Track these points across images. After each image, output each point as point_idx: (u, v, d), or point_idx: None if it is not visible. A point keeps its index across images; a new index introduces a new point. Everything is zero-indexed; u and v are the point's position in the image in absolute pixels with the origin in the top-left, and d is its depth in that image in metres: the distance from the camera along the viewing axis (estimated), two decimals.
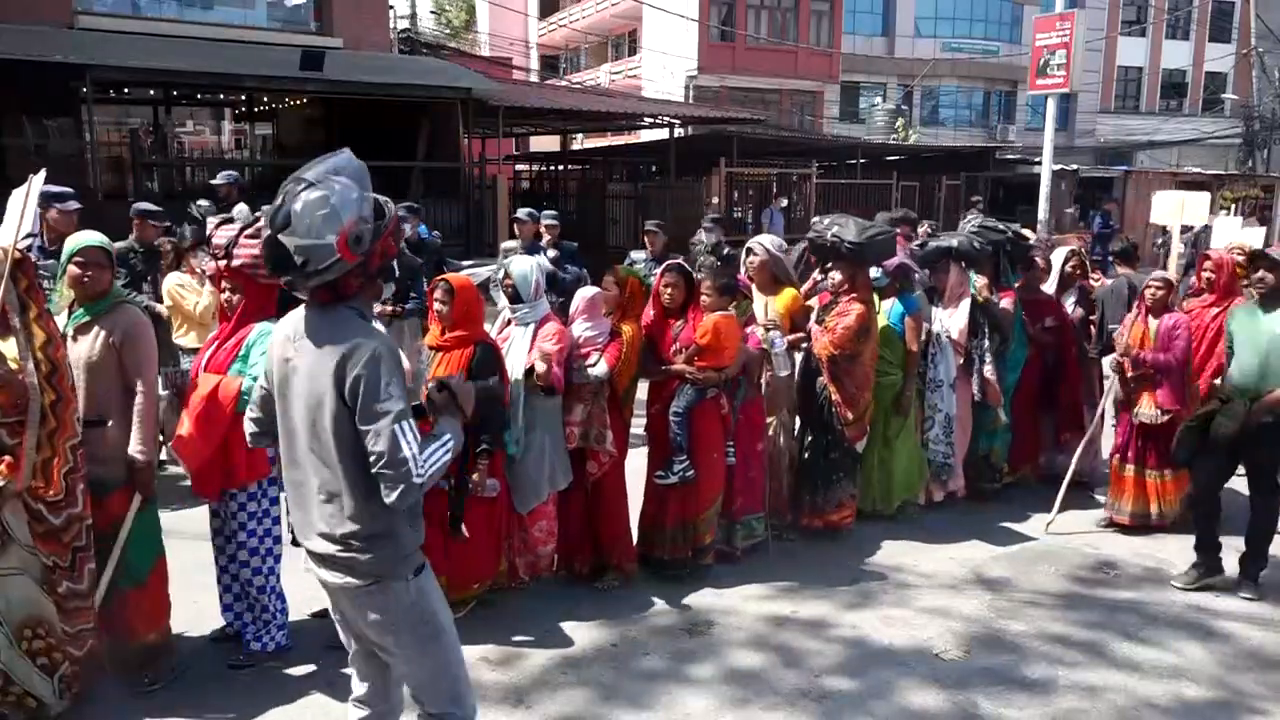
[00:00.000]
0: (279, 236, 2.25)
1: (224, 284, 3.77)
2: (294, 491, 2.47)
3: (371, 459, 2.27)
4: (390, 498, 2.28)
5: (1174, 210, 6.02)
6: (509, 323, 4.43)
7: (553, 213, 8.54)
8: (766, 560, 4.95)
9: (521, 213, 8.08)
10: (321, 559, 2.42)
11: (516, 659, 3.95)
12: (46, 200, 5.29)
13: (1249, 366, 4.48)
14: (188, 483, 3.81)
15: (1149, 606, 4.53)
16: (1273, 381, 4.38)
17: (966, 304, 5.58)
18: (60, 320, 3.51)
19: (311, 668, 3.82)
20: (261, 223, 2.34)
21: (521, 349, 4.30)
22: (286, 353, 2.41)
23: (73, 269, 3.45)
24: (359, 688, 2.66)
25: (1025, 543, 5.37)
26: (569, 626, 4.23)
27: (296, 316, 2.46)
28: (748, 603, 4.51)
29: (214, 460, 3.58)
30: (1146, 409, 5.27)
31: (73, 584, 3.30)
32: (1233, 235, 7.50)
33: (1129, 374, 5.30)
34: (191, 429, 3.53)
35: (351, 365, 2.26)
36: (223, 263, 3.72)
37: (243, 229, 3.71)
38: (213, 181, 8.64)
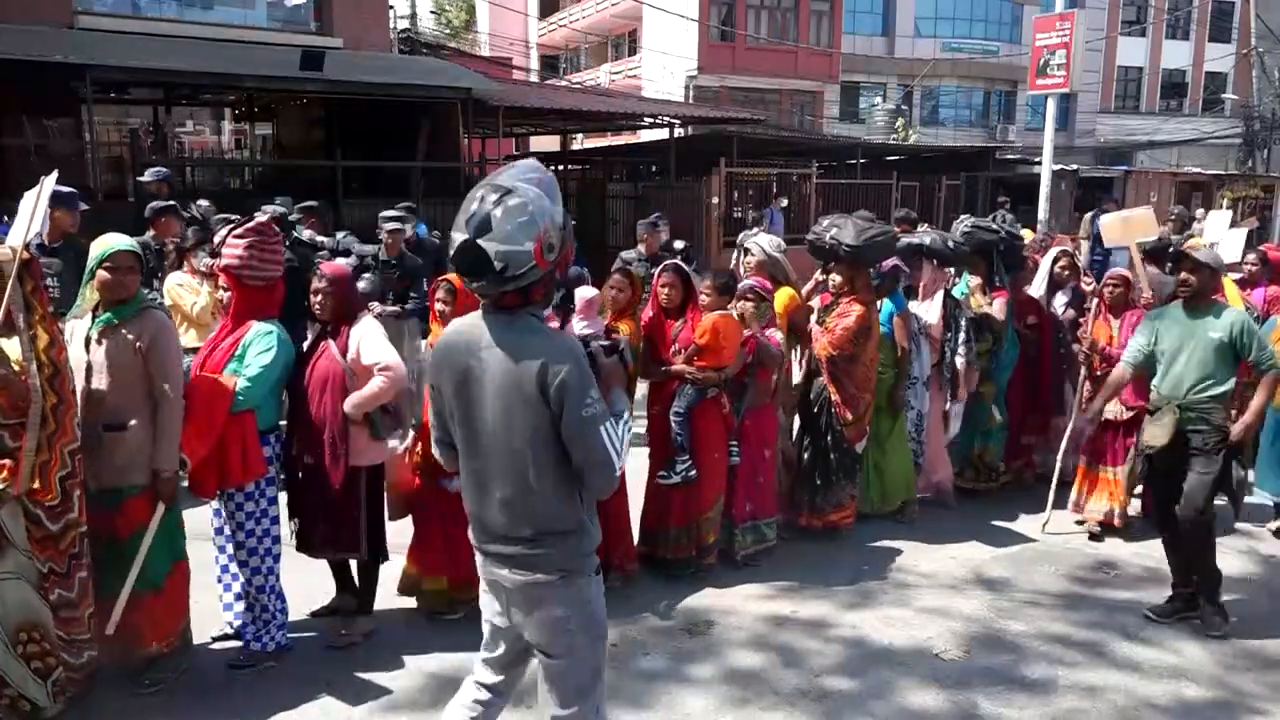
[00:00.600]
0: (479, 241, 2.27)
1: (220, 284, 3.79)
2: (474, 492, 2.49)
3: (579, 459, 2.37)
4: (600, 492, 2.46)
5: (1120, 232, 6.01)
6: None
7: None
8: (767, 560, 4.95)
9: None
10: (505, 558, 2.45)
11: None
12: (55, 201, 5.26)
13: (1179, 374, 4.29)
14: (186, 483, 3.80)
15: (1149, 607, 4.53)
16: (1206, 389, 4.23)
17: (940, 297, 5.60)
18: (84, 323, 3.48)
19: (311, 668, 3.82)
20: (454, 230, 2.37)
21: None
22: (467, 360, 2.41)
23: (103, 274, 3.40)
24: (483, 678, 2.70)
25: (1025, 543, 5.37)
26: None
27: (469, 324, 2.47)
28: (748, 603, 4.51)
29: (209, 460, 3.57)
30: (1111, 405, 5.28)
31: (65, 591, 3.28)
32: (1223, 232, 7.50)
33: (1098, 371, 5.32)
34: (190, 427, 3.52)
35: (554, 372, 2.31)
36: (217, 262, 3.73)
37: (230, 229, 3.71)
38: (141, 179, 8.13)
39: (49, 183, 3.51)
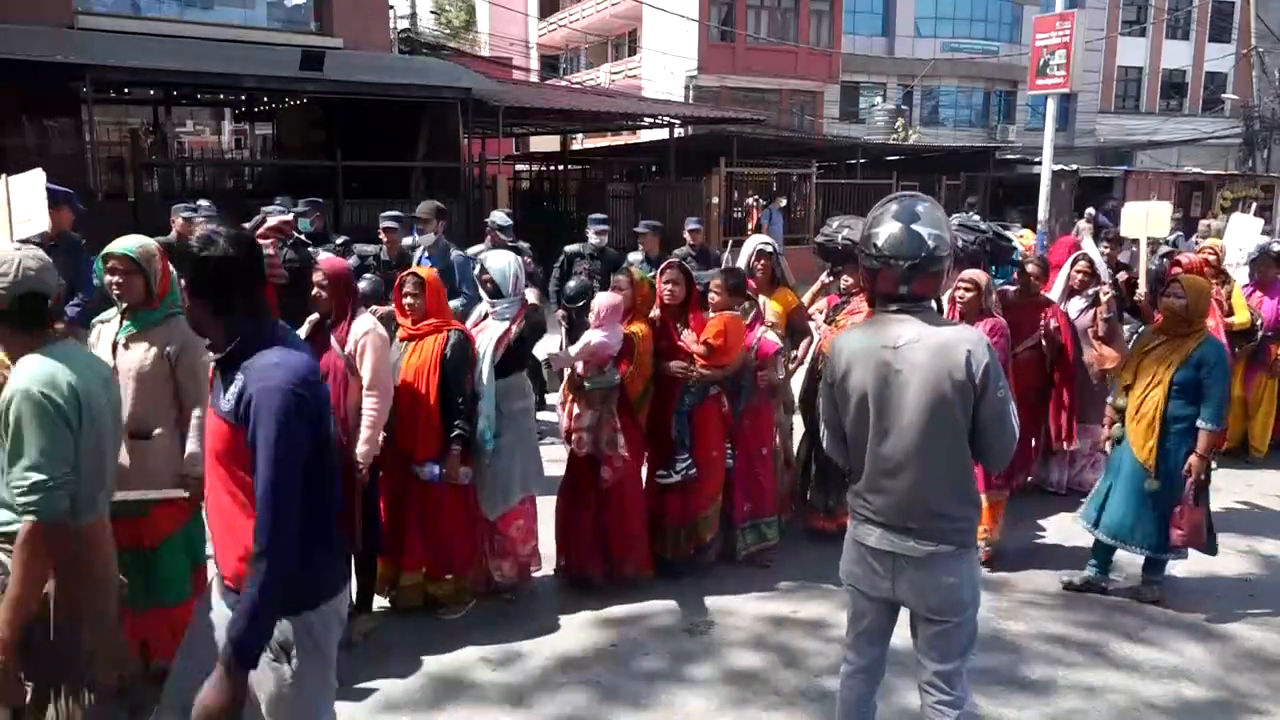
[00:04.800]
0: (911, 226, 2.56)
1: None
2: (880, 475, 2.66)
3: (991, 436, 2.60)
4: (999, 466, 2.78)
5: (1140, 223, 5.93)
6: (485, 316, 4.45)
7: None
8: (772, 558, 4.94)
9: (498, 216, 7.86)
10: (910, 531, 2.64)
11: (516, 659, 3.95)
12: (55, 198, 5.26)
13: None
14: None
15: (1149, 607, 4.53)
16: None
17: (946, 295, 5.57)
18: (112, 327, 3.44)
19: None
20: (870, 221, 2.67)
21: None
22: (883, 357, 2.61)
23: (106, 277, 3.35)
24: (861, 661, 2.89)
25: (1025, 543, 5.37)
26: (569, 626, 4.23)
27: (874, 324, 2.69)
28: (748, 603, 4.51)
29: None
30: None
31: None
32: (1249, 235, 7.44)
33: None
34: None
35: (976, 356, 2.54)
36: None
37: (251, 228, 3.68)
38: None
39: (38, 178, 3.41)
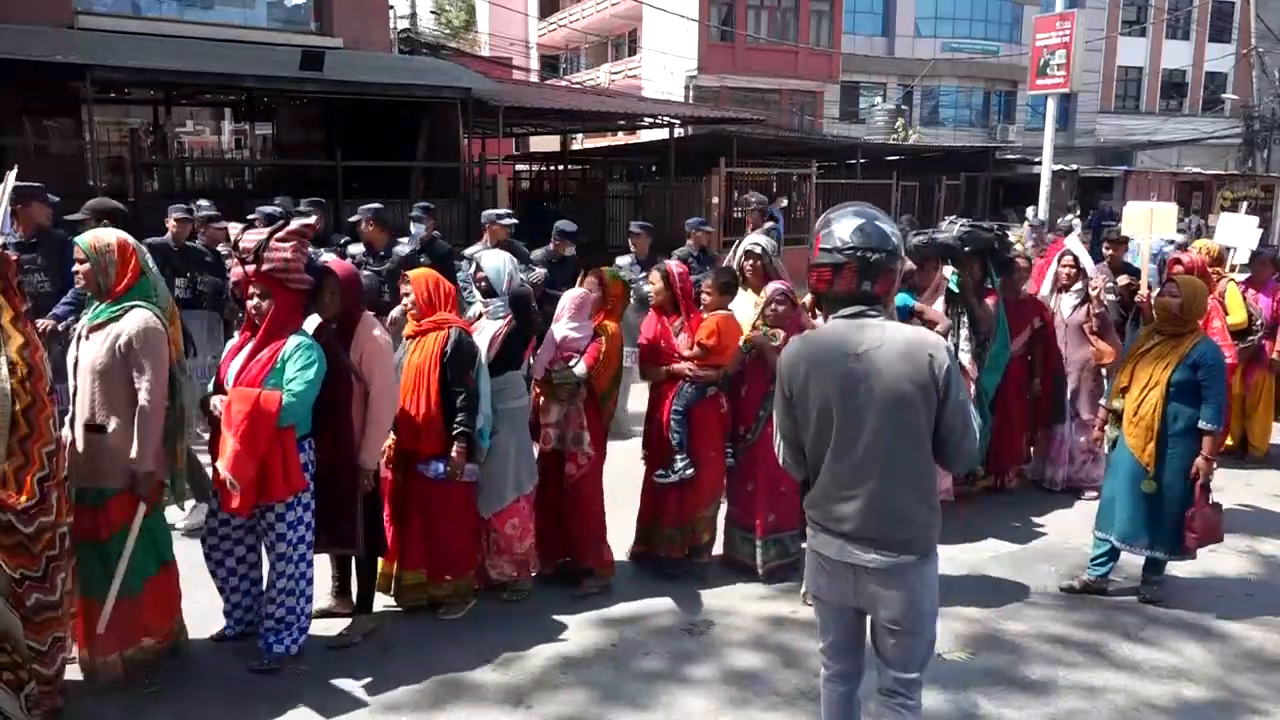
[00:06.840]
0: (874, 222, 2.58)
1: (251, 290, 3.62)
2: (840, 486, 2.62)
3: (956, 439, 2.58)
4: (963, 467, 2.75)
5: (1143, 223, 5.86)
6: (480, 316, 4.46)
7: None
8: (794, 575, 4.89)
9: (490, 214, 7.90)
10: (871, 541, 2.60)
11: (516, 659, 3.95)
12: (29, 195, 5.34)
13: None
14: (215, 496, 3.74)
15: (1149, 607, 4.54)
16: None
17: (942, 298, 5.58)
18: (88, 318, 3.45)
19: (311, 668, 3.81)
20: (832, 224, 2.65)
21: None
22: (846, 365, 2.56)
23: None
24: (837, 666, 2.90)
25: (1025, 543, 5.37)
26: (569, 626, 4.23)
27: (831, 331, 2.65)
28: (748, 603, 4.51)
29: (254, 476, 3.47)
30: None
31: (43, 595, 3.18)
32: (1243, 233, 7.43)
33: None
34: (239, 446, 3.40)
35: (938, 360, 2.52)
36: (250, 267, 3.58)
37: (272, 231, 3.62)
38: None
39: (9, 180, 3.44)
